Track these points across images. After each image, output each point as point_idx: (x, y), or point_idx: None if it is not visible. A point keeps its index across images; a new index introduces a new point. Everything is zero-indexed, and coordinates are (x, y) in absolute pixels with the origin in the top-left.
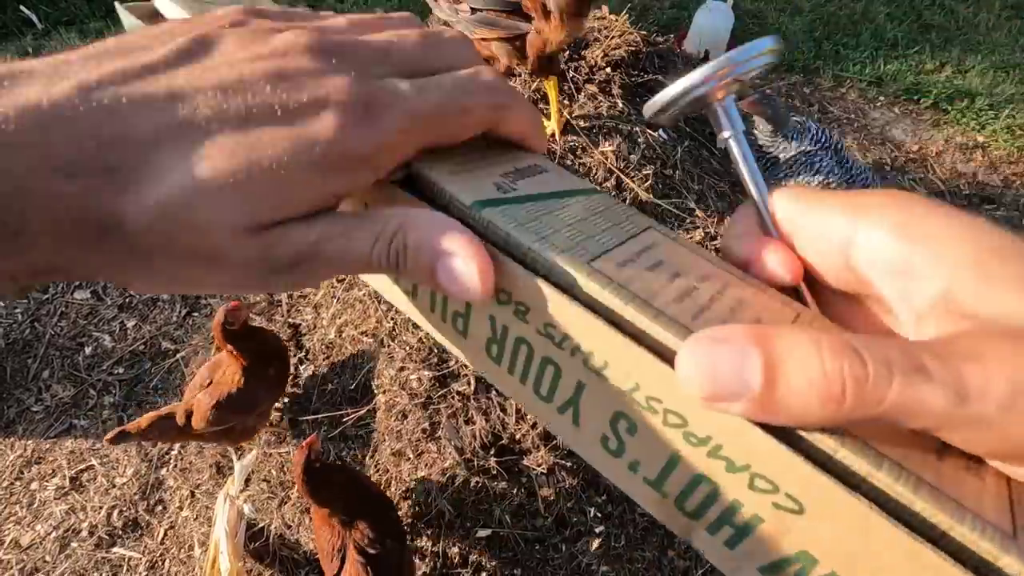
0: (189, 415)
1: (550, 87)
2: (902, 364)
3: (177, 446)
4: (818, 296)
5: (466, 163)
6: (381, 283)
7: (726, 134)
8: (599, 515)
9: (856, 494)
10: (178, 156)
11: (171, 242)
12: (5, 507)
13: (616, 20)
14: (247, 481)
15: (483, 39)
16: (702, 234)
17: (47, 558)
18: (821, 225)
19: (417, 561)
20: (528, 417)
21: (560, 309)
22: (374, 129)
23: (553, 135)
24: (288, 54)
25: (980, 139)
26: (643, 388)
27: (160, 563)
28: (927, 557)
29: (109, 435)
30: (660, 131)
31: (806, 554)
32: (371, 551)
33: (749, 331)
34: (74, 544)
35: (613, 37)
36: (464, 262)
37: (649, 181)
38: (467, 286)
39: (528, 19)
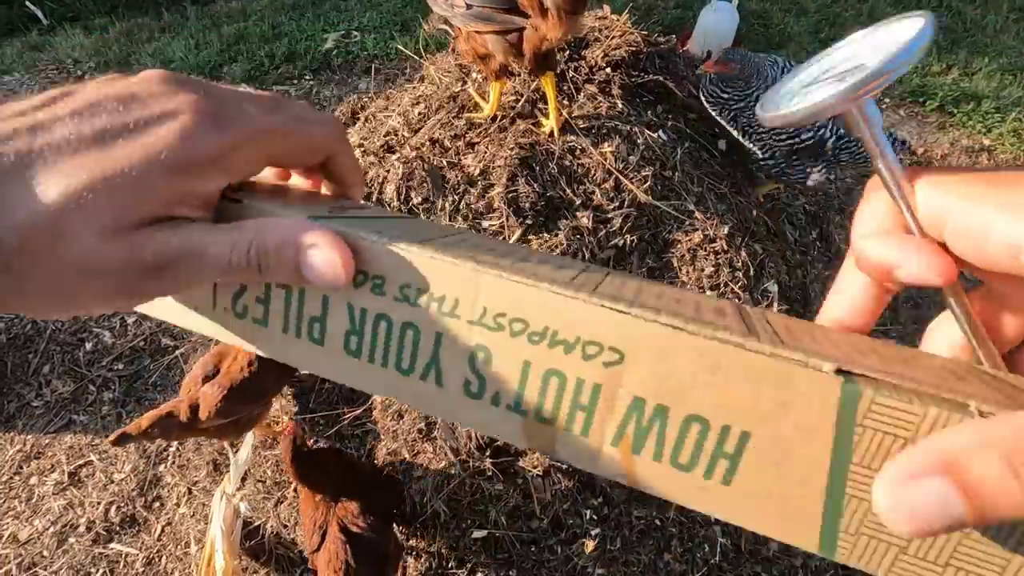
0: (191, 409)
1: (548, 83)
2: None
3: (175, 443)
4: (997, 314)
5: (295, 200)
6: (209, 326)
7: (864, 131)
8: (595, 517)
9: (655, 321)
10: (42, 177)
11: (44, 255)
12: (4, 501)
13: (617, 20)
14: (243, 479)
15: (478, 32)
16: (701, 236)
17: (45, 553)
18: (980, 224)
19: (412, 560)
20: None
21: (412, 264)
22: (221, 134)
23: (552, 133)
24: (141, 82)
25: (986, 142)
26: (490, 309)
27: (157, 559)
28: (713, 348)
29: (111, 437)
30: (660, 132)
31: (637, 401)
32: (353, 529)
33: (935, 462)
34: (72, 539)
35: (613, 37)
36: (326, 252)
37: (648, 183)
38: (333, 273)
39: (525, 15)
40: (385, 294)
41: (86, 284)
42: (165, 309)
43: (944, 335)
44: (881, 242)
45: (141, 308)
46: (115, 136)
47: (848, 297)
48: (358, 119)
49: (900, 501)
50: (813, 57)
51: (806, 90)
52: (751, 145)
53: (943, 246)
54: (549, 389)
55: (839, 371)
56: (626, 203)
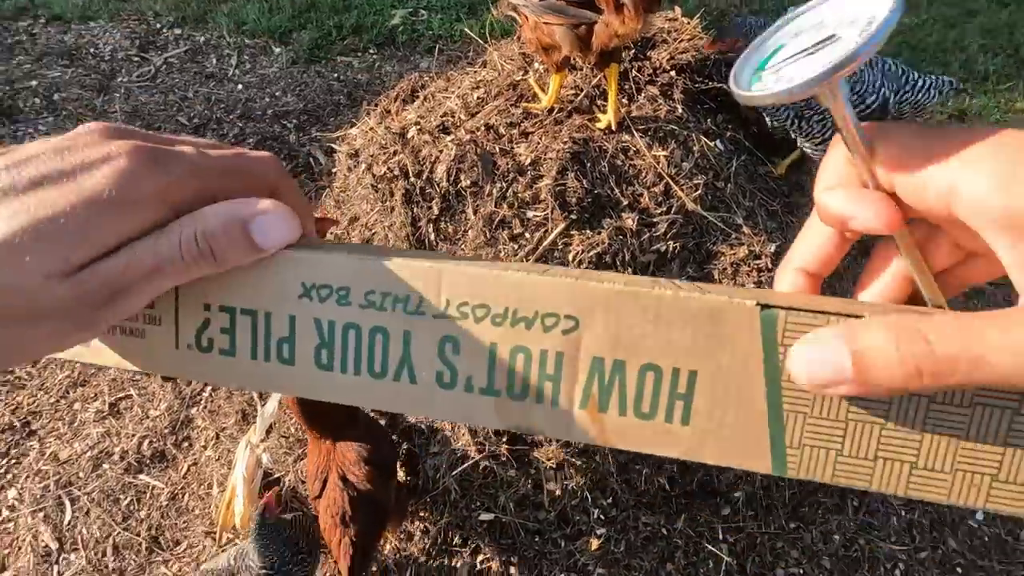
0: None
1: (611, 75)
2: (964, 344)
3: (208, 389)
4: (934, 242)
5: None
6: (173, 367)
7: (832, 104)
8: (602, 517)
9: (601, 285)
10: None
11: None
12: (50, 421)
13: (687, 23)
14: (268, 432)
15: (546, 23)
16: (746, 251)
17: (80, 474)
18: (923, 172)
19: (418, 532)
20: None
21: (373, 271)
22: (158, 173)
23: (609, 127)
24: (79, 135)
25: None
26: (453, 301)
27: (181, 495)
28: (653, 298)
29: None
30: (717, 141)
31: (596, 361)
32: (351, 478)
33: (838, 329)
34: (106, 465)
35: (681, 40)
36: (276, 211)
37: (699, 192)
38: (288, 227)
39: (597, 10)
40: (351, 303)
41: (34, 330)
42: (124, 355)
43: (880, 283)
44: (839, 195)
45: (98, 359)
46: (52, 181)
47: (813, 245)
48: (417, 97)
49: (803, 359)
50: (775, 24)
51: (778, 65)
52: (807, 142)
53: (894, 196)
54: (517, 366)
55: (758, 304)
56: (673, 209)
